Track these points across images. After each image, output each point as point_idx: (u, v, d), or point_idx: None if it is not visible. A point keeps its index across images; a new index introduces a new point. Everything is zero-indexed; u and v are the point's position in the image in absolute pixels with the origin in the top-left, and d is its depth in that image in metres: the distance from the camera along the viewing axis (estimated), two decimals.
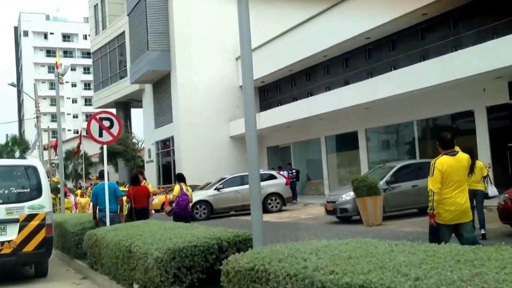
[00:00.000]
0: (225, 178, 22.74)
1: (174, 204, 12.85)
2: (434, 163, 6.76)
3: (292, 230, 14.13)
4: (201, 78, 32.55)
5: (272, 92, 33.91)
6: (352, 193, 15.27)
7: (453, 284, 2.93)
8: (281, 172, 24.33)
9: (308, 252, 4.34)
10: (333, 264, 3.80)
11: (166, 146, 36.37)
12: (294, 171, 26.54)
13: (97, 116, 11.67)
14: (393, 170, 16.14)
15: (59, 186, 22.42)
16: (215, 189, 21.96)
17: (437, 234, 6.72)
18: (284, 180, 22.78)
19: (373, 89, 21.76)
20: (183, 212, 12.71)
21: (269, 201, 21.75)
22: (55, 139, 46.81)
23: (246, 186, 17.79)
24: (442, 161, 6.74)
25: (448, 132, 7.08)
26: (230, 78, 33.07)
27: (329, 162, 28.56)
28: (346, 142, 27.38)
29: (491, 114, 19.31)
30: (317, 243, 4.82)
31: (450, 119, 21.83)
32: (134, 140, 42.33)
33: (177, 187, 12.91)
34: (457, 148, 6.98)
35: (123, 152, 39.69)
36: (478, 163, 11.27)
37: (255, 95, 6.72)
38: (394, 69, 22.62)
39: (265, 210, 18.93)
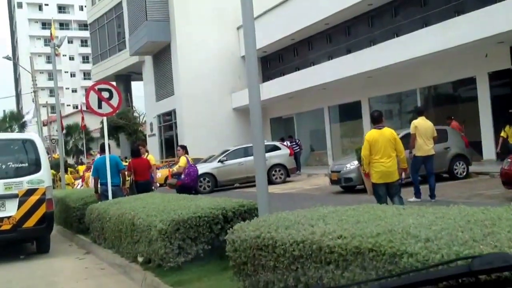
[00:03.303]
0: (228, 150, 22.50)
1: (183, 176, 12.33)
2: (365, 135, 8.77)
3: (297, 200, 14.08)
4: (201, 49, 31.97)
5: (274, 62, 33.61)
6: (356, 162, 15.16)
7: (465, 244, 2.84)
8: (285, 143, 24.15)
9: (315, 219, 4.27)
10: (341, 229, 3.72)
11: (168, 119, 36.10)
12: (297, 140, 26.39)
13: (96, 87, 11.47)
14: None
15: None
16: (218, 162, 21.68)
17: (377, 191, 8.76)
18: (287, 151, 22.54)
19: (375, 57, 21.52)
20: (194, 183, 12.51)
21: (273, 172, 21.52)
22: (54, 115, 46.64)
23: (250, 158, 17.70)
24: (370, 134, 8.83)
25: (376, 111, 9.24)
26: (231, 48, 32.55)
27: (333, 132, 28.43)
28: (349, 112, 27.22)
29: (493, 81, 19.09)
30: (323, 210, 4.74)
31: (452, 87, 21.63)
32: (135, 114, 42.04)
33: (183, 159, 12.52)
34: (386, 126, 9.02)
35: (124, 126, 39.37)
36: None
37: (257, 66, 6.57)
38: (397, 36, 22.33)
39: (269, 182, 18.61)
